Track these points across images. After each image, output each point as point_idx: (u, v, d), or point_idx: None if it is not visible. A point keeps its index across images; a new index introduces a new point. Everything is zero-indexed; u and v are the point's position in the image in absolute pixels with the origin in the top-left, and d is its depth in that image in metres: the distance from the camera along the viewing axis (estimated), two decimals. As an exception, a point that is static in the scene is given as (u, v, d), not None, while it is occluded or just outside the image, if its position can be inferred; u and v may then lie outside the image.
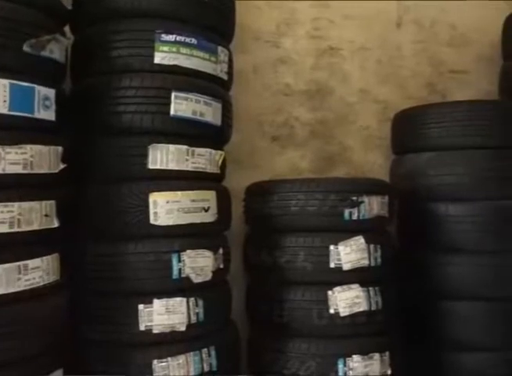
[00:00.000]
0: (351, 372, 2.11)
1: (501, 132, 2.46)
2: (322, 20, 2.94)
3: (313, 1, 2.91)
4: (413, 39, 3.06)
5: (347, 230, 2.19)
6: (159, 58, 1.90)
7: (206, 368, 1.91)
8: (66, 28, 1.95)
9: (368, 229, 2.23)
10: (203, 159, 1.97)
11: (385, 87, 3.00)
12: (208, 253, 1.95)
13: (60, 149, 1.72)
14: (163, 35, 1.90)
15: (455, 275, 2.41)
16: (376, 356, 2.16)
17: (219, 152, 2.07)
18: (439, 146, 2.50)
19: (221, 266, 2.04)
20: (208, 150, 2.00)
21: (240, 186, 2.47)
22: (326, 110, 2.93)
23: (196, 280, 1.91)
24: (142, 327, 1.83)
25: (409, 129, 2.64)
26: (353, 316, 2.15)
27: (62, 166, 1.72)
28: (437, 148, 2.51)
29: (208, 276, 1.95)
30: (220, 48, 2.05)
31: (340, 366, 2.11)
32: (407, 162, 2.65)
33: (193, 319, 1.89)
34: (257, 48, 2.82)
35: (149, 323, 1.84)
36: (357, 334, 2.17)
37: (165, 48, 1.90)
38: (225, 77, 2.11)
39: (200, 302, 1.91)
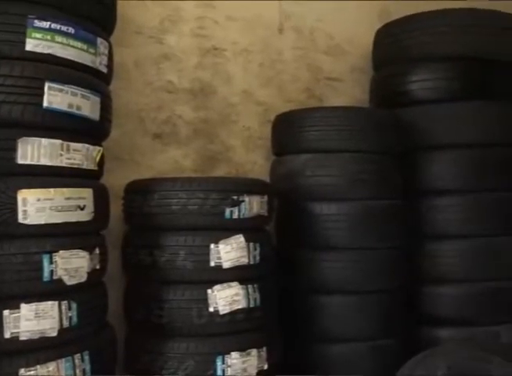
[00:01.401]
0: (229, 369, 2.14)
1: (372, 137, 2.64)
2: (206, 20, 2.95)
3: (198, 0, 2.91)
4: (293, 45, 3.18)
5: (227, 229, 2.22)
6: (31, 45, 1.77)
7: (79, 374, 1.82)
8: None
9: (248, 228, 2.27)
10: (79, 155, 1.88)
11: (266, 89, 3.08)
12: (83, 253, 1.86)
13: None
14: (36, 21, 1.78)
15: (328, 271, 2.55)
16: (254, 351, 2.21)
17: (97, 148, 1.98)
18: (316, 148, 2.63)
19: (98, 267, 1.96)
20: (85, 145, 1.91)
21: (119, 183, 2.39)
22: (209, 110, 2.94)
23: (70, 282, 1.81)
24: (7, 335, 1.69)
25: (288, 131, 2.74)
26: (232, 314, 2.18)
27: None
28: (313, 150, 2.63)
29: (83, 278, 1.86)
30: (99, 40, 1.97)
31: (219, 363, 2.13)
32: (286, 163, 2.75)
33: (66, 323, 1.79)
34: (140, 42, 2.76)
35: (15, 330, 1.70)
36: (235, 331, 2.20)
37: (38, 35, 1.78)
38: (105, 70, 2.03)
39: (74, 305, 1.82)
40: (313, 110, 2.79)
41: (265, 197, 2.35)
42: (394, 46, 2.95)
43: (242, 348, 2.19)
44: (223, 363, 2.14)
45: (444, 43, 2.79)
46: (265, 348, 2.26)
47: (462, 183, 2.79)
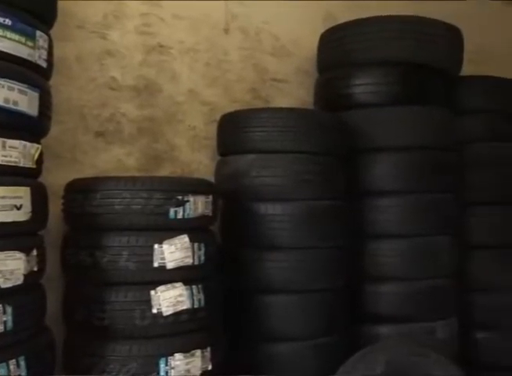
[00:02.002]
0: (172, 371, 2.11)
1: (316, 139, 2.68)
2: (151, 17, 2.90)
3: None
4: (240, 46, 3.18)
5: (171, 229, 2.19)
6: (-36, 37, 1.69)
7: (14, 380, 1.75)
8: None
9: (192, 228, 2.25)
10: (15, 152, 1.80)
11: (212, 89, 3.07)
12: (19, 255, 1.79)
13: None
14: (-30, 12, 1.70)
15: (272, 271, 2.57)
16: (198, 352, 2.19)
17: (35, 145, 1.91)
18: (261, 149, 2.64)
19: (35, 269, 1.89)
20: (22, 142, 1.83)
21: (59, 182, 2.32)
22: (154, 108, 2.90)
23: (5, 284, 1.73)
24: None
25: (233, 132, 2.75)
26: (176, 315, 2.15)
27: None
28: (258, 151, 2.65)
29: (19, 280, 1.79)
30: (38, 33, 1.89)
31: (162, 365, 2.10)
32: (231, 163, 2.75)
33: (0, 328, 1.71)
34: (82, 37, 2.68)
35: None
36: (179, 332, 2.18)
37: (-27, 27, 1.70)
38: (44, 64, 1.96)
39: (9, 309, 1.74)
40: (258, 110, 2.81)
41: (210, 197, 2.34)
42: (337, 50, 3.02)
43: (186, 350, 2.16)
44: (166, 364, 2.11)
45: (383, 48, 2.88)
46: (209, 349, 2.24)
47: (401, 185, 2.89)
